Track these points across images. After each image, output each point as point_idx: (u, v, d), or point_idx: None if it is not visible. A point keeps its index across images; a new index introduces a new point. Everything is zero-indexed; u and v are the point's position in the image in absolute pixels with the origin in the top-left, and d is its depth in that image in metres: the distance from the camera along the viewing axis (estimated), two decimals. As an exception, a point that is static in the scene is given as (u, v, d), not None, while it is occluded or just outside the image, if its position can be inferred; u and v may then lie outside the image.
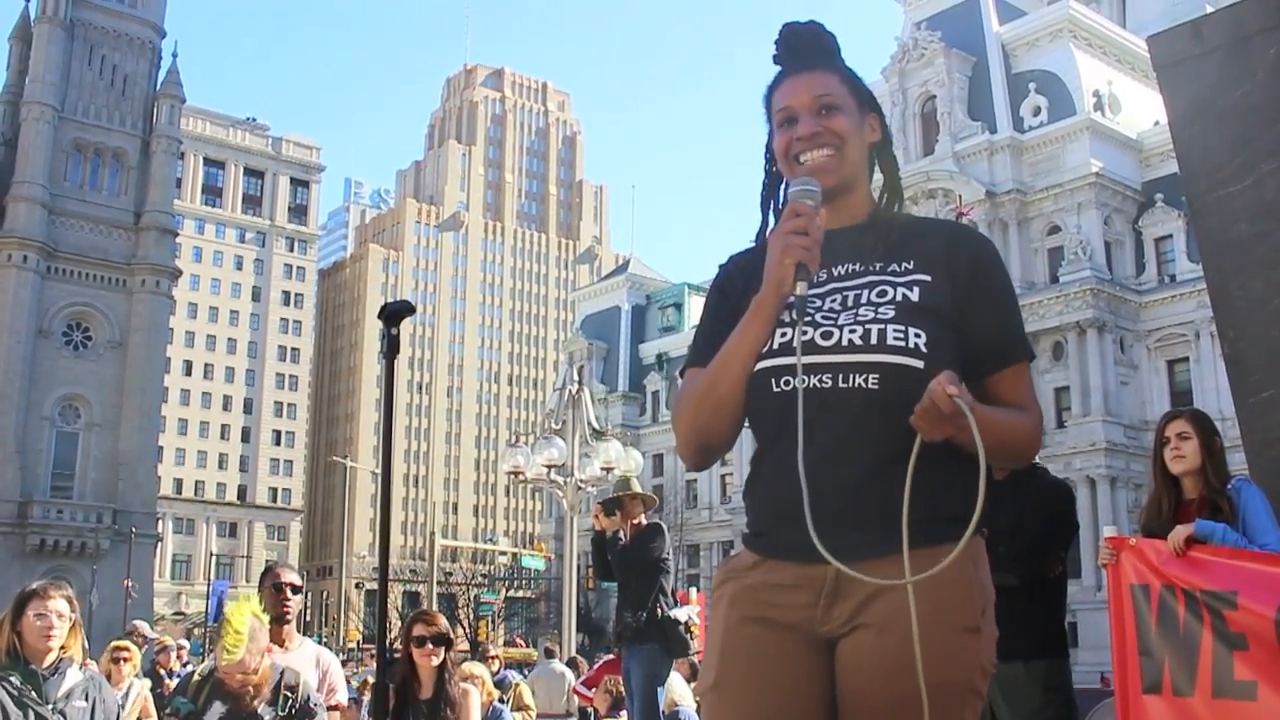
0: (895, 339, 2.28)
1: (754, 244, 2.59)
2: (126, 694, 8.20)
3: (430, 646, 5.57)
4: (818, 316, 2.34)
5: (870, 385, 2.26)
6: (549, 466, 16.28)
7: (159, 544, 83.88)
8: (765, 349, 2.34)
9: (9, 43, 79.95)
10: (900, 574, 2.14)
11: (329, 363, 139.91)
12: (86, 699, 4.56)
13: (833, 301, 2.38)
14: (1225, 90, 4.51)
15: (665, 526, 8.94)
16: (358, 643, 70.19)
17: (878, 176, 2.61)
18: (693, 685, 11.01)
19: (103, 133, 76.83)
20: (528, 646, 39.33)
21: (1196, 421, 4.76)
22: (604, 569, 8.70)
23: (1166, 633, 4.47)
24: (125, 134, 77.54)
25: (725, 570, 2.45)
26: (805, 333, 2.30)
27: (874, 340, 2.28)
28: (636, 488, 8.85)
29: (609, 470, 16.28)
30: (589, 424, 17.77)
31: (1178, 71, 4.73)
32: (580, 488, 16.83)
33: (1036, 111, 63.03)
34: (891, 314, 2.31)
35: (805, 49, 2.51)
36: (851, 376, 2.27)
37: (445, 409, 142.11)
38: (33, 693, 4.40)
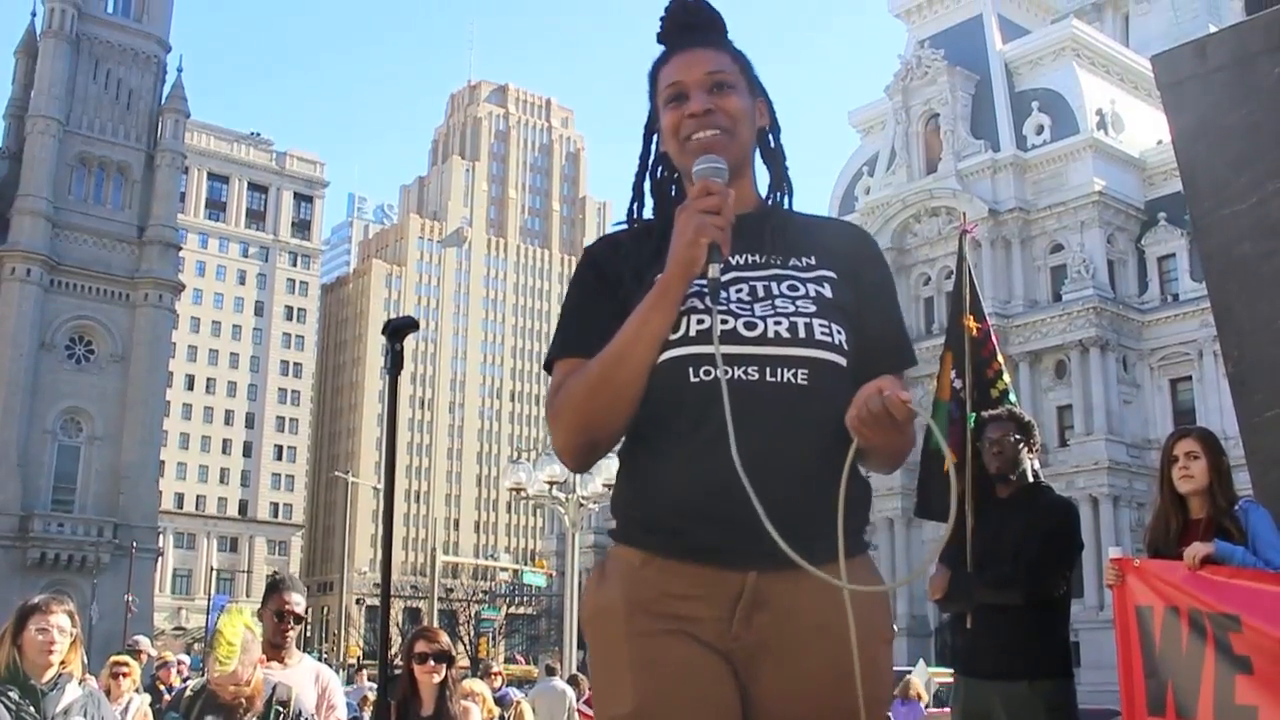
0: (822, 334, 2.18)
1: (624, 223, 2.45)
2: (126, 709, 8.16)
3: (432, 663, 5.54)
4: (732, 306, 2.20)
5: (800, 381, 2.14)
6: (551, 483, 16.28)
7: (160, 558, 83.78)
8: (678, 335, 2.17)
9: (15, 57, 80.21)
10: (812, 585, 2.01)
11: (331, 378, 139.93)
12: (85, 715, 4.54)
13: (739, 291, 2.23)
14: (1229, 110, 4.51)
15: None
16: (358, 659, 70.11)
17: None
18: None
19: (107, 146, 76.97)
20: (529, 663, 39.30)
21: (1205, 441, 4.73)
22: None
23: (1170, 654, 4.46)
24: (129, 148, 77.67)
25: (607, 573, 2.25)
26: (726, 321, 2.17)
27: (802, 334, 2.17)
28: None
29: (610, 487, 16.25)
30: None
31: (1182, 91, 4.73)
32: (582, 504, 16.81)
33: (1039, 130, 63.18)
34: (813, 309, 2.21)
35: (698, 25, 2.38)
36: (780, 370, 2.15)
37: (447, 425, 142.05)
38: (31, 708, 4.38)
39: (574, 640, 17.97)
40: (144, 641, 14.02)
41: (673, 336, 2.17)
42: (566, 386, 2.26)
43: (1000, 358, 6.18)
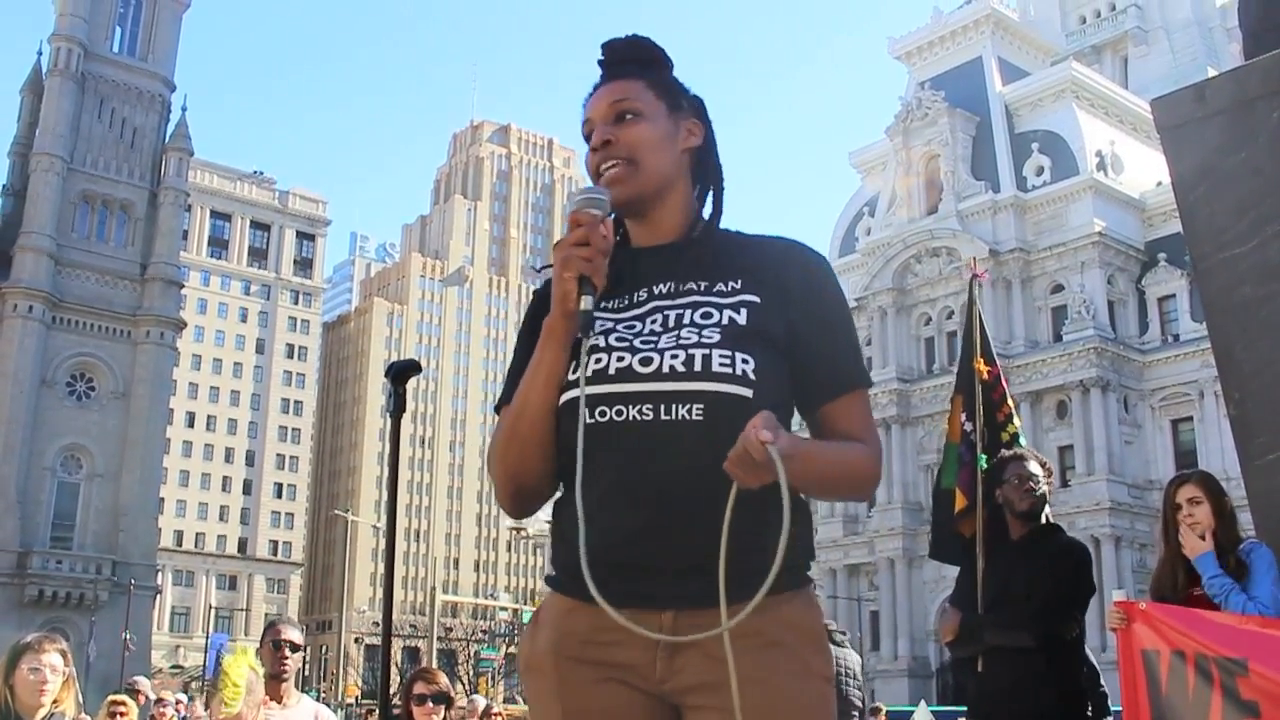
0: (721, 365, 2.07)
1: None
2: (122, 749, 8.10)
3: (430, 705, 5.53)
4: (636, 341, 2.14)
5: (695, 417, 2.05)
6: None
7: (158, 596, 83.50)
8: (574, 376, 2.12)
9: (20, 95, 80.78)
10: (748, 625, 1.97)
11: (332, 416, 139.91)
12: None
13: (653, 323, 2.17)
14: (1229, 153, 4.53)
15: None
16: (356, 698, 69.67)
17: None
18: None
19: (111, 184, 77.28)
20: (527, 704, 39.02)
21: (1205, 485, 4.71)
22: None
23: (1177, 699, 4.43)
24: (133, 186, 77.99)
25: (540, 621, 2.22)
26: (622, 358, 2.12)
27: (698, 367, 2.08)
28: None
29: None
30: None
31: (1181, 134, 4.75)
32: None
33: (1040, 171, 63.48)
34: (716, 338, 2.11)
35: (615, 61, 2.34)
36: (674, 408, 2.06)
37: (448, 463, 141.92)
38: (24, 748, 4.35)
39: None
40: (143, 683, 13.90)
41: (571, 377, 2.13)
42: (493, 437, 2.25)
43: (1011, 401, 6.19)
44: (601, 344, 2.14)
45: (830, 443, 2.17)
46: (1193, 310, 55.36)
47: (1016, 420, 6.12)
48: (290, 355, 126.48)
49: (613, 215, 2.21)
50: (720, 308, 2.17)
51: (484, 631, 79.32)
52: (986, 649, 5.18)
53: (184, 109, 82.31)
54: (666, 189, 2.28)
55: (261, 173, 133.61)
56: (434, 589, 47.78)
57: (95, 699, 9.46)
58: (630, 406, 2.08)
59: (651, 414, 2.07)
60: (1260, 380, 4.42)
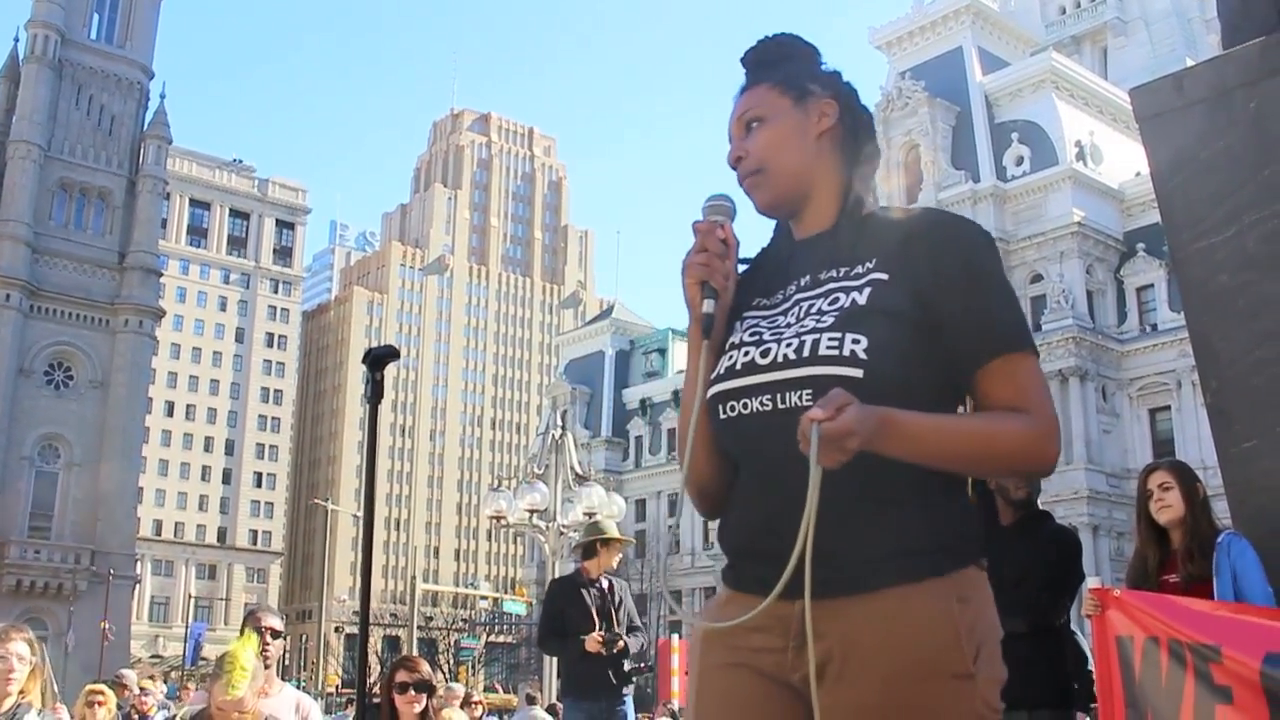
0: (829, 348, 2.07)
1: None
2: (101, 739, 8.09)
3: (412, 693, 5.51)
4: (765, 335, 2.19)
5: (804, 402, 2.05)
6: (531, 511, 16.22)
7: (137, 586, 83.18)
8: (713, 375, 2.20)
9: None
10: (865, 614, 2.00)
11: (312, 405, 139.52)
12: None
13: (790, 315, 2.21)
14: (1207, 143, 4.55)
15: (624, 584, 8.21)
16: (336, 687, 69.62)
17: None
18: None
19: (89, 172, 76.83)
20: (507, 692, 39.07)
21: (1176, 471, 4.80)
22: (555, 620, 7.88)
23: (1150, 684, 4.46)
24: (111, 174, 77.53)
25: (707, 607, 2.31)
26: (747, 353, 2.16)
27: (806, 352, 2.08)
28: (613, 532, 8.43)
29: (591, 515, 16.22)
30: (572, 469, 17.71)
31: (1160, 124, 4.77)
32: (562, 533, 16.76)
33: (1019, 161, 63.55)
34: (830, 321, 2.11)
35: (748, 73, 2.37)
36: (788, 395, 2.08)
37: (428, 452, 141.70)
38: (-13, 739, 4.32)
39: (554, 669, 17.88)
40: (129, 676, 13.80)
41: (712, 376, 2.22)
42: None
43: None
44: (737, 341, 2.21)
45: (962, 416, 2.11)
46: (1171, 300, 55.55)
47: None
48: (270, 344, 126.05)
49: (732, 220, 2.30)
50: (849, 290, 2.16)
51: (464, 620, 79.20)
52: None
53: (162, 96, 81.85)
54: (807, 181, 2.29)
55: (241, 161, 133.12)
56: (414, 578, 47.62)
57: (74, 689, 9.43)
58: (753, 399, 2.12)
59: (770, 404, 2.10)
60: (1237, 369, 4.45)
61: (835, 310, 2.13)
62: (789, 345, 2.12)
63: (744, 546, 2.17)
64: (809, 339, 2.10)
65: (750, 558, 2.14)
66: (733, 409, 2.15)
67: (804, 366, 2.08)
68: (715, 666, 2.17)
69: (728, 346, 2.21)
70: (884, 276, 2.15)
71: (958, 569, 2.07)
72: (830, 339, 2.08)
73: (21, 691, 4.45)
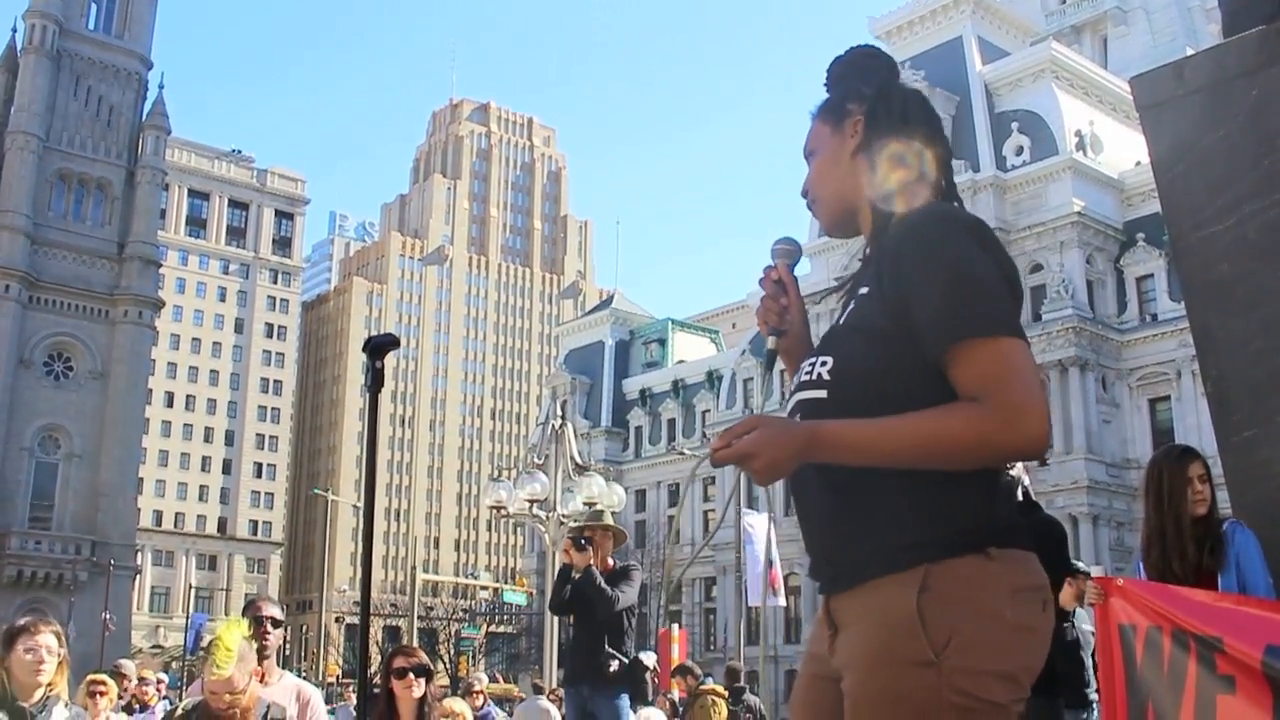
0: (806, 373, 2.27)
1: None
2: (103, 729, 8.11)
3: (411, 678, 5.53)
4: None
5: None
6: (531, 501, 16.21)
7: (137, 576, 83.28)
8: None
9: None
10: (852, 607, 2.16)
11: (311, 395, 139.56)
12: None
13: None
14: (1207, 132, 4.55)
15: (639, 568, 8.29)
16: (337, 677, 69.73)
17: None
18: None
19: (87, 163, 76.76)
20: (508, 682, 39.12)
21: (1206, 463, 4.77)
22: (561, 603, 7.91)
23: (1152, 673, 4.47)
24: (110, 164, 77.47)
25: None
26: (796, 375, 2.37)
27: (803, 377, 2.28)
28: (609, 520, 8.49)
29: (591, 505, 16.22)
30: (572, 459, 17.70)
31: (1160, 113, 4.77)
32: (562, 523, 16.75)
33: (1019, 151, 63.49)
34: (819, 345, 2.32)
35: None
36: (795, 415, 2.25)
37: (428, 443, 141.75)
38: (20, 729, 4.34)
39: (554, 659, 17.89)
40: (128, 666, 13.79)
41: None
42: None
43: None
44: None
45: (910, 415, 2.05)
46: (1171, 290, 55.53)
47: None
48: (269, 334, 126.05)
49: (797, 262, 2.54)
50: (844, 309, 2.32)
51: (465, 611, 79.39)
52: None
53: (161, 87, 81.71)
54: (850, 201, 2.40)
55: (240, 151, 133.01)
56: (414, 568, 47.75)
57: (75, 679, 9.43)
58: (794, 417, 2.26)
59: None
60: (1237, 358, 4.45)
61: (831, 335, 2.32)
62: (803, 371, 2.32)
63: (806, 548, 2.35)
64: (805, 364, 2.31)
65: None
66: None
67: (800, 391, 2.28)
68: (803, 665, 2.38)
69: (764, 378, 2.45)
70: (865, 290, 2.25)
71: (932, 560, 2.06)
72: (810, 363, 2.27)
73: (50, 684, 4.48)
